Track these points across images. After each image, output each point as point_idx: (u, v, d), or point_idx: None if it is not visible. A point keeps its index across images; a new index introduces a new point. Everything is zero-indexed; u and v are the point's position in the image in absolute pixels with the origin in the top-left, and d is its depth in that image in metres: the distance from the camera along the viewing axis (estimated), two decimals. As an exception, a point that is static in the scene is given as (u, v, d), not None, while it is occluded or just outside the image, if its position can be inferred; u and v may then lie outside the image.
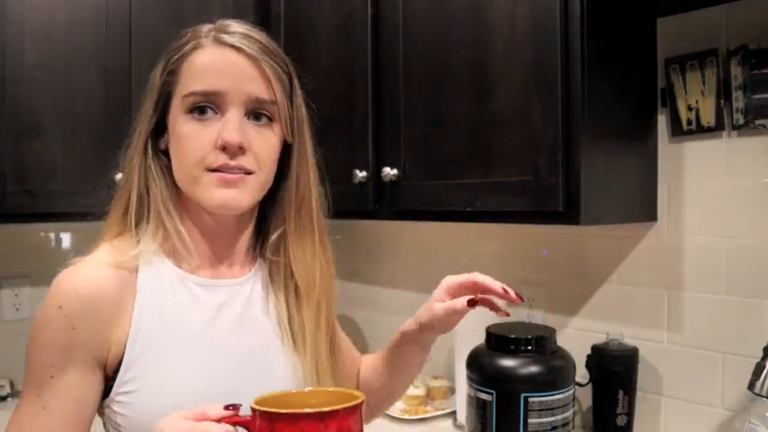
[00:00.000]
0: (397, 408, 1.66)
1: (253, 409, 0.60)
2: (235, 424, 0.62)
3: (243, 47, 0.78)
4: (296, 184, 0.86)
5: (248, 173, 0.79)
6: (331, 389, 0.72)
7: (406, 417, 1.60)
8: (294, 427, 0.58)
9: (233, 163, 0.77)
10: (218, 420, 0.62)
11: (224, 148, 0.76)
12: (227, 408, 0.62)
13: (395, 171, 1.46)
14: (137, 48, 1.64)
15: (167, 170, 0.82)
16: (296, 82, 0.85)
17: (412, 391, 1.68)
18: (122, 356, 0.76)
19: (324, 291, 0.88)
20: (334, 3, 1.65)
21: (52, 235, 1.92)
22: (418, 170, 1.43)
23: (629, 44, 1.30)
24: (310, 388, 0.74)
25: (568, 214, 1.16)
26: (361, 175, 1.53)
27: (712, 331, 1.30)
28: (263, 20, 1.87)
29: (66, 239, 1.94)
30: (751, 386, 1.10)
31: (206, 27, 0.81)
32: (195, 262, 0.82)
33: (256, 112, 0.80)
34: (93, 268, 0.77)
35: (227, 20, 0.82)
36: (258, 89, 0.79)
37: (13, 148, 1.50)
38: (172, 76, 0.80)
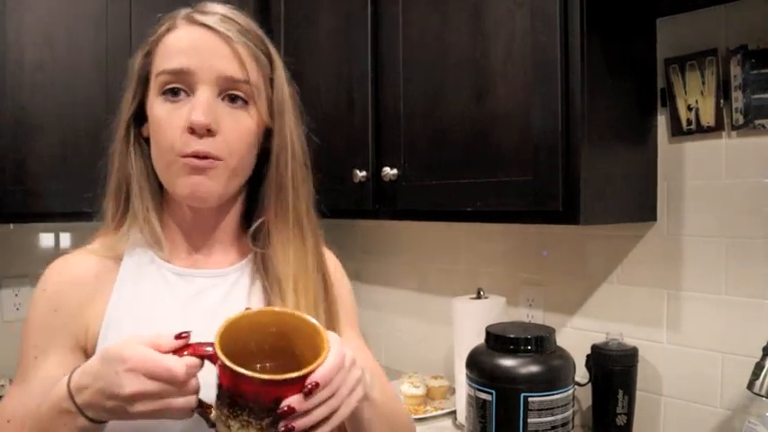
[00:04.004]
0: (397, 408, 1.67)
1: (220, 361, 0.60)
2: (197, 356, 0.63)
3: (215, 26, 0.76)
4: (276, 169, 0.82)
5: (217, 158, 0.76)
6: (280, 311, 0.70)
7: (406, 416, 1.60)
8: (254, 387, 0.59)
9: (200, 147, 0.74)
10: (173, 352, 0.62)
11: (192, 131, 0.74)
12: (177, 337, 0.63)
13: (395, 171, 1.46)
14: (137, 48, 1.64)
15: (149, 158, 0.81)
16: (277, 62, 0.83)
17: (412, 391, 1.69)
18: (96, 342, 0.77)
19: (311, 282, 0.83)
20: (334, 3, 1.65)
21: (52, 235, 1.92)
22: (418, 170, 1.43)
23: (629, 44, 1.30)
24: (256, 309, 0.70)
25: (568, 214, 1.16)
26: (361, 175, 1.53)
27: (712, 331, 1.30)
28: (263, 21, 1.87)
29: (66, 239, 1.93)
30: (750, 386, 1.10)
31: (184, 9, 0.80)
32: (167, 250, 0.82)
33: (231, 93, 0.77)
34: (77, 256, 0.82)
35: (209, 1, 0.81)
36: (230, 68, 0.76)
37: (13, 148, 1.49)
38: (148, 58, 0.80)
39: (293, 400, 0.59)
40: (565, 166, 1.15)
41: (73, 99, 1.56)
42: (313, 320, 0.66)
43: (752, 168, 1.24)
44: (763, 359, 1.10)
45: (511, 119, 1.23)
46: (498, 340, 1.27)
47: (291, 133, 0.83)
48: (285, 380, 0.59)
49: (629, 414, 1.35)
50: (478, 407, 1.25)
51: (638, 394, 1.37)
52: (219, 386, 0.62)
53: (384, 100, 1.51)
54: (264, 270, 0.84)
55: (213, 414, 0.63)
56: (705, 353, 1.31)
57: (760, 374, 1.08)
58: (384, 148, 1.51)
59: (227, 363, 0.59)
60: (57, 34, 1.54)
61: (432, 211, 1.42)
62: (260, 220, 0.84)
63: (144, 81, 0.80)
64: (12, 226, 1.79)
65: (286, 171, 0.83)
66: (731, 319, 1.27)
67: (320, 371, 0.60)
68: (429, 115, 1.40)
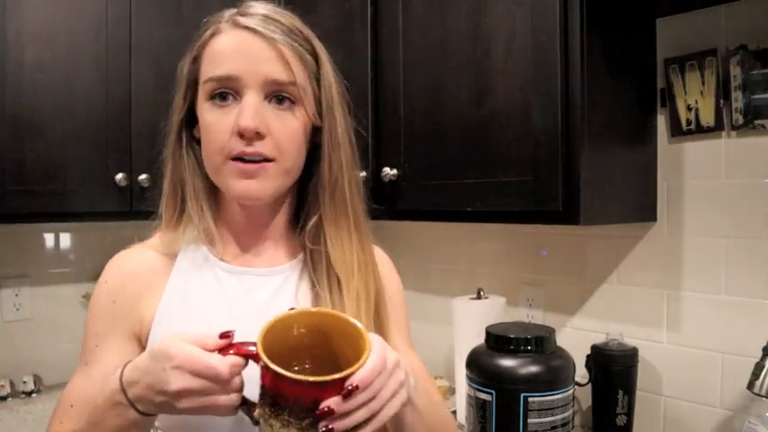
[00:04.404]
0: (397, 408, 1.66)
1: (264, 363, 0.61)
2: (240, 355, 0.64)
3: (258, 28, 0.77)
4: (328, 167, 0.82)
5: (268, 160, 0.77)
6: (324, 311, 0.70)
7: (406, 417, 1.60)
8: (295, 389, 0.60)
9: (250, 150, 0.76)
10: (218, 351, 0.64)
11: (241, 135, 0.75)
12: (222, 336, 0.65)
13: (395, 171, 1.46)
14: (137, 48, 1.64)
15: (201, 159, 0.82)
16: (324, 59, 0.83)
17: (412, 390, 1.68)
18: (149, 334, 0.80)
19: (362, 281, 0.83)
20: (334, 5, 1.65)
21: (52, 235, 1.92)
22: (418, 170, 1.43)
23: (629, 44, 1.31)
24: (297, 309, 0.69)
25: (568, 214, 1.16)
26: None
27: (712, 331, 1.30)
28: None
29: (66, 239, 1.93)
30: (750, 386, 1.10)
31: (228, 11, 0.80)
32: (221, 248, 0.84)
33: (278, 95, 0.78)
34: (136, 250, 0.85)
35: (253, 1, 0.81)
36: (275, 71, 0.77)
37: (13, 148, 1.49)
38: (195, 63, 0.81)
39: (332, 402, 0.59)
40: (565, 166, 1.15)
41: (73, 99, 1.56)
42: (355, 322, 0.66)
43: (751, 168, 1.24)
44: (763, 359, 1.10)
45: (511, 119, 1.23)
46: (498, 340, 1.27)
47: (342, 131, 0.84)
48: (323, 381, 0.59)
49: (629, 414, 1.35)
50: (478, 407, 1.25)
51: (638, 394, 1.37)
52: (262, 386, 0.62)
53: (384, 100, 1.51)
54: (314, 269, 0.85)
55: (257, 412, 0.64)
56: (705, 353, 1.31)
57: (760, 374, 1.08)
58: (384, 148, 1.51)
59: (268, 363, 0.59)
60: (57, 34, 1.54)
61: (432, 211, 1.42)
62: (314, 218, 0.84)
63: (193, 86, 0.82)
64: (12, 226, 1.79)
65: (340, 169, 0.83)
66: (731, 319, 1.27)
67: (360, 373, 0.60)
68: (429, 115, 1.40)
